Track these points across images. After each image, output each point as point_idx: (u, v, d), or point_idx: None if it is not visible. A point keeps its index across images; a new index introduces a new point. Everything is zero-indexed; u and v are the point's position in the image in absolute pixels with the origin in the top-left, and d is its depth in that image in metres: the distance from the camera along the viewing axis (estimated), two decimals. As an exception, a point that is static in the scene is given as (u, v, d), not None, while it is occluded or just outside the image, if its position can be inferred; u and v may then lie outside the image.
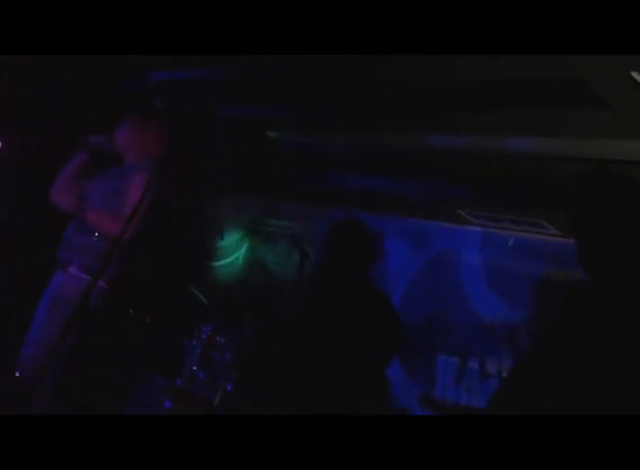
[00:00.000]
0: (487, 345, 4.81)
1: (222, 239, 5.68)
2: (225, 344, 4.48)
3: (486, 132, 3.48)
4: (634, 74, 2.24)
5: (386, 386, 4.53)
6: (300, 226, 5.21)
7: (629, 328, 2.00)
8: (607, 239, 2.16)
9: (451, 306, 5.07)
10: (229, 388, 4.33)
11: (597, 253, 2.19)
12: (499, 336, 4.77)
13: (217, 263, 6.06)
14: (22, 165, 4.76)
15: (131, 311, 5.52)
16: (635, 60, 2.19)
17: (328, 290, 3.49)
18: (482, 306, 4.97)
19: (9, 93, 4.40)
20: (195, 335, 4.60)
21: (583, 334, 2.07)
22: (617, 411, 1.83)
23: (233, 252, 6.07)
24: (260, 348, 4.11)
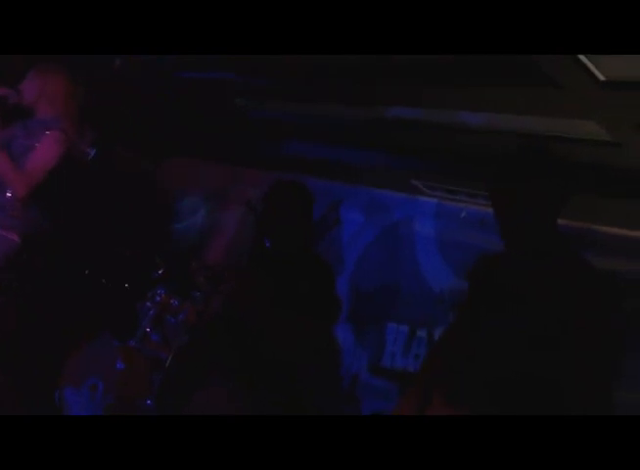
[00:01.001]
0: (436, 314, 4.92)
1: (179, 203, 5.68)
2: (179, 306, 4.51)
3: (441, 106, 3.54)
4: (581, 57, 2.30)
5: (334, 354, 4.63)
6: (257, 193, 5.23)
7: (547, 298, 2.09)
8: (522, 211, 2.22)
9: (403, 276, 5.16)
10: (181, 349, 4.38)
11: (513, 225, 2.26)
12: (447, 305, 4.88)
13: (173, 227, 6.07)
14: None
15: (87, 272, 5.53)
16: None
17: (272, 256, 3.52)
18: (434, 277, 5.07)
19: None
20: (149, 297, 4.62)
21: (505, 302, 2.16)
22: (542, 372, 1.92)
23: (189, 216, 6.08)
24: (212, 312, 4.14)
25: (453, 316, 2.65)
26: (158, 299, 4.56)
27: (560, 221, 2.31)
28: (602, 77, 2.40)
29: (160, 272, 4.88)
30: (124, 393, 4.33)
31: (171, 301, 4.55)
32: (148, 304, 4.56)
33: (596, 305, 2.08)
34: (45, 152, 3.89)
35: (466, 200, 4.92)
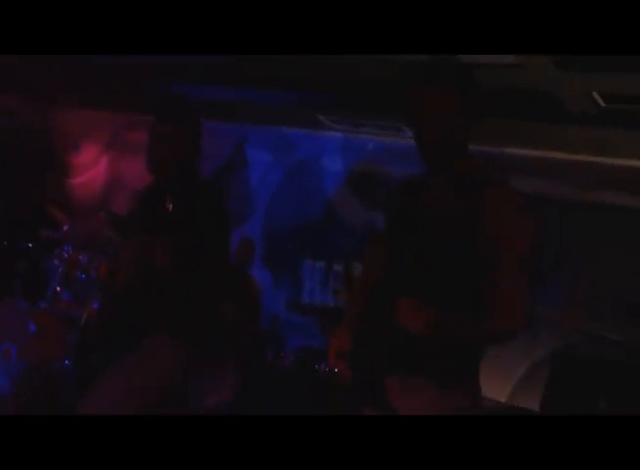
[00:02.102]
0: (351, 247, 4.93)
1: (76, 157, 5.45)
2: (88, 262, 4.36)
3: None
4: None
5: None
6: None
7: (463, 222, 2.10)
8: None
9: (314, 212, 5.15)
10: (95, 305, 4.26)
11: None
12: (360, 238, 4.90)
13: (74, 180, 5.84)
14: None
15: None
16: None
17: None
18: (345, 210, 5.08)
19: None
20: (56, 254, 4.45)
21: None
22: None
23: (90, 169, 5.86)
24: (123, 265, 4.02)
25: (371, 246, 2.60)
26: (65, 255, 4.39)
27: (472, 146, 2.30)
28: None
29: (64, 229, 4.68)
30: (39, 355, 4.19)
31: (80, 257, 4.39)
32: (55, 262, 4.40)
33: (505, 225, 2.10)
34: None
35: (372, 132, 4.90)
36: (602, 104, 3.52)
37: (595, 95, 3.45)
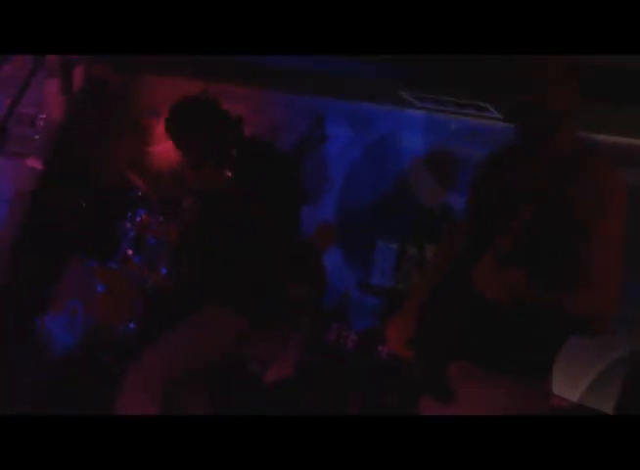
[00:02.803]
0: (426, 231, 4.78)
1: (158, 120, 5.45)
2: (159, 227, 4.36)
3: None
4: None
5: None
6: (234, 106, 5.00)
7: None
8: None
9: (391, 192, 5.01)
10: (163, 271, 4.25)
11: None
12: (438, 221, 4.74)
13: (154, 148, 5.87)
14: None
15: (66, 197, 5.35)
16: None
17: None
18: (423, 192, 4.92)
19: None
20: (129, 217, 4.46)
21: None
22: None
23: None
24: (197, 232, 4.01)
25: (448, 231, 2.47)
26: (138, 219, 4.40)
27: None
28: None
29: (140, 193, 4.70)
30: (105, 316, 4.22)
31: (152, 220, 4.39)
32: (128, 224, 4.41)
33: (602, 205, 1.94)
34: None
35: (456, 111, 4.73)
36: None
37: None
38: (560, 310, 1.90)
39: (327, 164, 5.30)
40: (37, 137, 3.95)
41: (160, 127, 5.87)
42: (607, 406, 3.53)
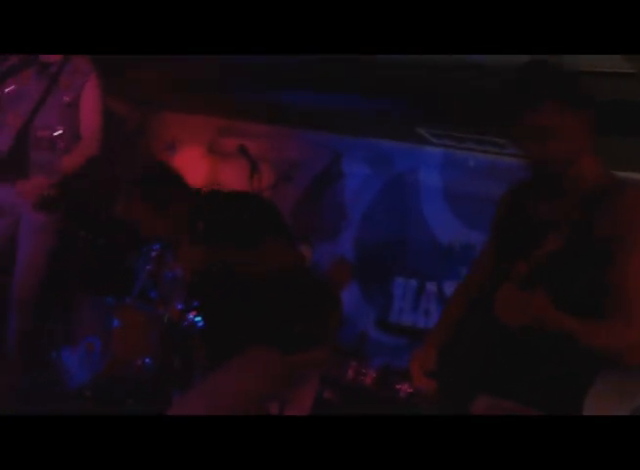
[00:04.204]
0: (445, 267, 4.74)
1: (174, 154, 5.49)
2: (174, 261, 4.33)
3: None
4: None
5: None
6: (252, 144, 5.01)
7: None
8: None
9: (410, 228, 4.98)
10: (179, 306, 4.22)
11: None
12: (457, 258, 4.70)
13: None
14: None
15: (83, 233, 5.35)
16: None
17: None
18: (441, 229, 4.89)
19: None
20: (144, 252, 4.45)
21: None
22: None
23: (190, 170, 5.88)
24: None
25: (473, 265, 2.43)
26: (153, 254, 4.38)
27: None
28: None
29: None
30: (122, 351, 4.18)
31: (167, 255, 4.37)
32: (143, 259, 4.40)
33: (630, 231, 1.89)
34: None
35: (474, 147, 4.72)
36: None
37: None
38: (588, 341, 1.83)
39: (345, 201, 5.30)
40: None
41: (177, 161, 5.92)
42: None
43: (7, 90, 3.76)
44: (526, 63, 2.03)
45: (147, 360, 4.15)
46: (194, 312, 4.11)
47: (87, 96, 3.85)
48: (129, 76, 4.74)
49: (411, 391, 3.76)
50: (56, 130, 3.79)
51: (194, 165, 5.82)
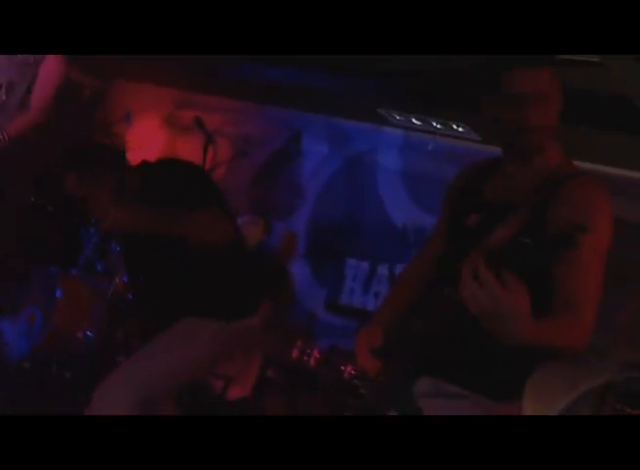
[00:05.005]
0: (398, 250, 4.69)
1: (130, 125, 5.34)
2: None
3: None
4: None
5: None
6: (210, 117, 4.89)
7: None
8: None
9: (365, 209, 4.92)
10: (125, 279, 4.13)
11: None
12: (411, 241, 4.66)
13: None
14: None
15: (32, 199, 5.22)
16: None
17: None
18: (398, 212, 4.84)
19: None
20: (93, 224, 4.34)
21: None
22: None
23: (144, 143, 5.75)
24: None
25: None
26: (102, 225, 4.27)
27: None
28: None
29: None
30: (63, 323, 4.08)
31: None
32: (92, 229, 4.29)
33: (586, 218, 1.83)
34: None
35: (435, 130, 4.66)
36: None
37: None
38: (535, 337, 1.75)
39: (302, 179, 5.22)
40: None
41: (133, 132, 5.79)
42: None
43: None
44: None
45: (88, 333, 4.06)
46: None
47: (47, 65, 3.77)
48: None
49: (355, 372, 3.72)
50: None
51: (150, 137, 5.70)
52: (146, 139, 5.76)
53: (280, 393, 3.88)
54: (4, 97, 3.75)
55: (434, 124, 4.56)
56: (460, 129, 4.51)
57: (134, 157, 5.46)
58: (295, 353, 3.99)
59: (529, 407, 2.07)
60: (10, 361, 4.10)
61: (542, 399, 2.51)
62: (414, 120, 4.60)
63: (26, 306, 4.18)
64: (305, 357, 3.93)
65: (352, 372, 3.66)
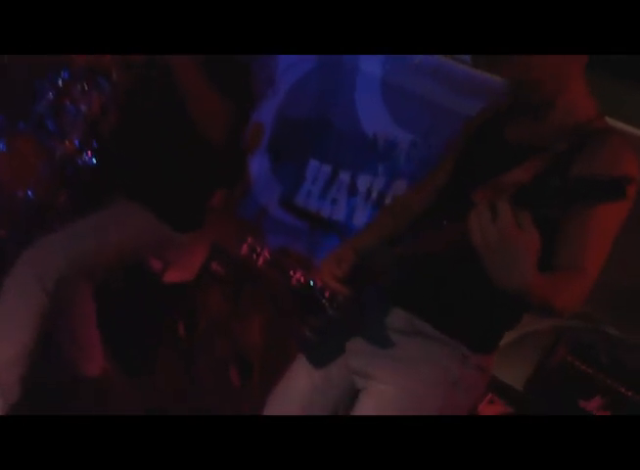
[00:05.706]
0: (364, 160, 4.55)
1: None
2: (82, 95, 3.96)
3: None
4: None
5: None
6: None
7: None
8: None
9: (337, 113, 4.73)
10: (77, 143, 3.89)
11: None
12: (378, 153, 4.51)
13: None
14: None
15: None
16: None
17: None
18: (369, 119, 4.65)
19: None
20: (50, 78, 4.04)
21: None
22: None
23: None
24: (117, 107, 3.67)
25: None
26: (59, 81, 3.98)
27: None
28: None
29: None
30: (4, 178, 3.85)
31: (76, 86, 3.99)
32: (47, 84, 3.99)
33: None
34: None
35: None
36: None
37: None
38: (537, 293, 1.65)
39: (276, 69, 4.96)
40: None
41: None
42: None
43: None
44: None
45: (29, 193, 3.84)
46: (90, 152, 3.79)
47: None
48: None
49: (302, 279, 3.64)
50: None
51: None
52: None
53: (222, 283, 3.78)
54: None
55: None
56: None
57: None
58: (244, 249, 3.88)
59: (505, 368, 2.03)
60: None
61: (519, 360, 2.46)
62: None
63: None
64: (255, 256, 3.81)
65: (301, 279, 3.58)
